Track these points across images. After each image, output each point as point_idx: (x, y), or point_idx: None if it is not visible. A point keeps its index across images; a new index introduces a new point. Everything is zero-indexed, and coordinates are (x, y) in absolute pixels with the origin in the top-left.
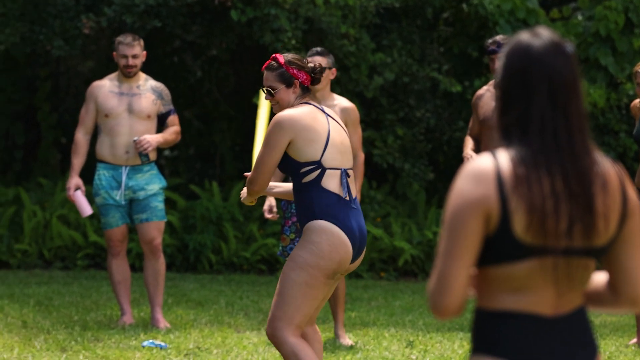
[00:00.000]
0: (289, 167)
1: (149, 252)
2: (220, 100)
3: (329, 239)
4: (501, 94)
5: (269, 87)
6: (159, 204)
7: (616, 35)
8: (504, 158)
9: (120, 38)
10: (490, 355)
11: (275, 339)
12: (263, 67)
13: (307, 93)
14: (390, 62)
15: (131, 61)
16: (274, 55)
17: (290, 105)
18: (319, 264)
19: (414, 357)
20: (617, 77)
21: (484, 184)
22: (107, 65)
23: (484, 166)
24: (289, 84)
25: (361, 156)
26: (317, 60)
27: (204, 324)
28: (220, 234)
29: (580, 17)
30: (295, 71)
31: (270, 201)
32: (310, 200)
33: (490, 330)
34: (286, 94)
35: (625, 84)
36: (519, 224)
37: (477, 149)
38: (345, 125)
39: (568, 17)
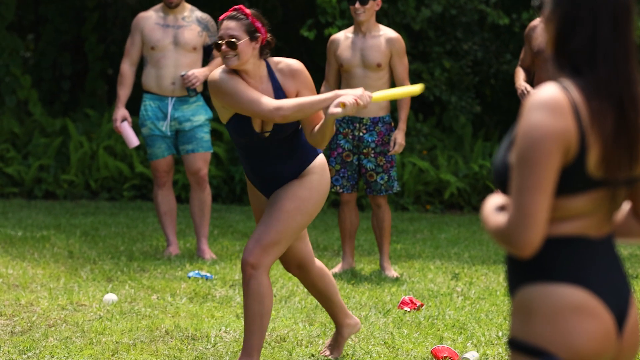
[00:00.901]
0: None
1: (195, 183)
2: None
3: (328, 175)
4: (562, 19)
5: (232, 36)
6: (205, 135)
7: None
8: (574, 89)
9: None
10: (551, 281)
11: (253, 272)
12: (223, 16)
13: (265, 52)
14: None
15: None
16: (238, 6)
17: (248, 60)
18: (322, 205)
19: (459, 289)
20: None
21: (564, 117)
22: None
23: (559, 98)
24: (252, 37)
25: None
26: None
27: None
28: None
29: None
30: (259, 25)
31: None
32: (303, 143)
33: (548, 257)
34: (248, 47)
35: None
36: (593, 158)
37: (529, 81)
38: (391, 56)
39: None
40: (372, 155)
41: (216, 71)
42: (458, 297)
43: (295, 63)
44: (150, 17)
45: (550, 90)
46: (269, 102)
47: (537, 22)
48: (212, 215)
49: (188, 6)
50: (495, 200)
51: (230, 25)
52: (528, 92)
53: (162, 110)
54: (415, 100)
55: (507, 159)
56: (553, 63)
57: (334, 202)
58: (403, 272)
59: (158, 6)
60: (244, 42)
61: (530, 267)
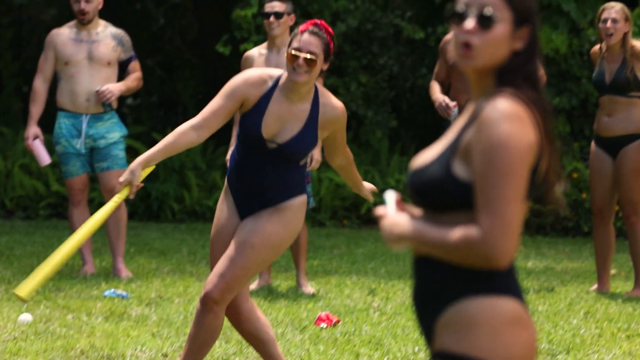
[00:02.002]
0: (308, 150)
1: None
2: (182, 48)
3: (303, 216)
4: (534, 37)
5: (312, 53)
6: (120, 152)
7: None
8: (525, 102)
9: None
10: (493, 294)
11: (215, 306)
12: (304, 28)
13: (322, 74)
14: (353, 8)
15: (83, 5)
16: (321, 21)
17: (313, 79)
18: (289, 244)
19: (375, 304)
20: (579, 23)
21: (529, 127)
22: (70, 13)
23: (521, 110)
24: (326, 57)
25: None
26: (276, 6)
27: (165, 273)
28: (182, 182)
29: None
30: (332, 46)
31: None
32: (301, 176)
33: (505, 271)
34: (319, 67)
35: (587, 29)
36: (542, 167)
37: (444, 94)
38: None
39: None
40: None
41: (257, 58)
42: (374, 312)
43: (341, 106)
44: (63, 33)
45: (510, 103)
46: (197, 120)
47: (451, 35)
48: (129, 233)
49: (102, 22)
50: (404, 215)
51: (312, 41)
52: (447, 104)
53: (76, 127)
54: None
55: (452, 172)
56: (494, 77)
57: None
58: (320, 288)
59: (71, 22)
60: (319, 60)
61: (470, 280)
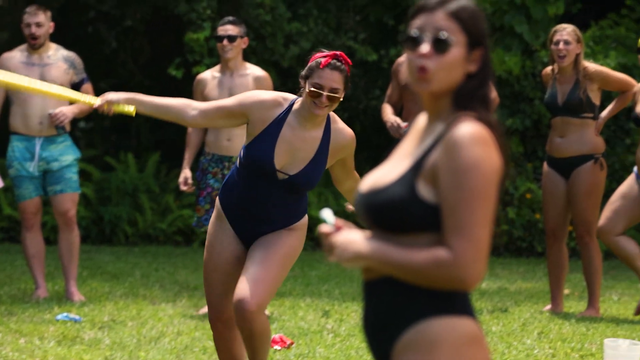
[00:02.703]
0: (318, 180)
1: (63, 224)
2: (135, 71)
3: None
4: (487, 60)
5: (335, 90)
6: (73, 175)
7: (531, 3)
8: (487, 125)
9: (26, 8)
10: (454, 314)
11: (256, 315)
12: (326, 62)
13: None
14: (306, 31)
15: (34, 29)
16: (340, 53)
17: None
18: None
19: (329, 326)
20: (532, 45)
21: (495, 150)
22: (21, 37)
23: (486, 133)
24: (345, 89)
25: None
26: (229, 30)
27: (119, 297)
28: (135, 205)
29: None
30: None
31: (186, 173)
32: (304, 200)
33: (464, 292)
34: (339, 101)
35: (540, 51)
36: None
37: (396, 116)
38: None
39: None
40: None
41: (210, 80)
42: (328, 334)
43: (351, 133)
44: (14, 57)
45: (476, 126)
46: (200, 104)
47: (404, 57)
48: (81, 257)
49: (53, 45)
50: (358, 234)
51: (334, 77)
52: (398, 124)
53: (29, 150)
54: None
55: (416, 194)
56: (450, 100)
57: (203, 241)
58: (273, 311)
59: (22, 46)
60: (341, 94)
61: (431, 301)
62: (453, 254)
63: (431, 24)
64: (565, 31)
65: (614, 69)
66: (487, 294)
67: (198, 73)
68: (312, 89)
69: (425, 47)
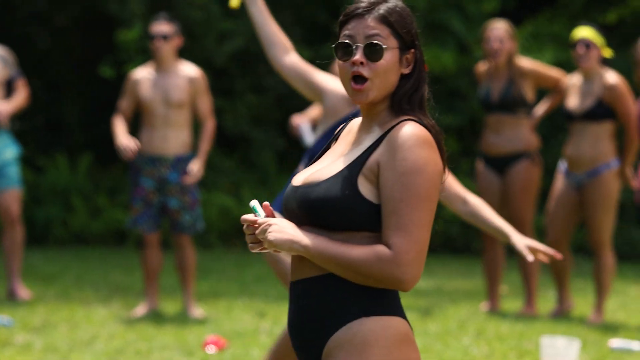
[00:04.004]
0: None
1: (6, 221)
2: (67, 70)
3: None
4: (421, 60)
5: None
6: (14, 171)
7: (466, 0)
8: (428, 128)
9: None
10: (385, 314)
11: None
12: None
13: None
14: (240, 29)
15: None
16: None
17: None
18: None
19: (265, 327)
20: (467, 42)
21: (437, 152)
22: None
23: (428, 135)
24: None
25: (210, 123)
26: (163, 28)
27: (51, 299)
28: (68, 206)
29: None
30: None
31: (124, 138)
32: None
33: (380, 290)
34: None
35: (475, 48)
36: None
37: None
38: (194, 93)
39: None
40: (177, 193)
41: (142, 79)
42: (264, 335)
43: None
44: None
45: (420, 129)
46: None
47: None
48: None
49: None
50: (291, 224)
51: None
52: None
53: None
54: (219, 136)
55: (358, 191)
56: (388, 103)
57: (137, 242)
58: (208, 312)
59: None
60: None
61: (363, 301)
62: (393, 252)
63: (362, 30)
64: (499, 28)
65: (550, 64)
66: (424, 293)
67: (129, 72)
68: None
69: (357, 56)
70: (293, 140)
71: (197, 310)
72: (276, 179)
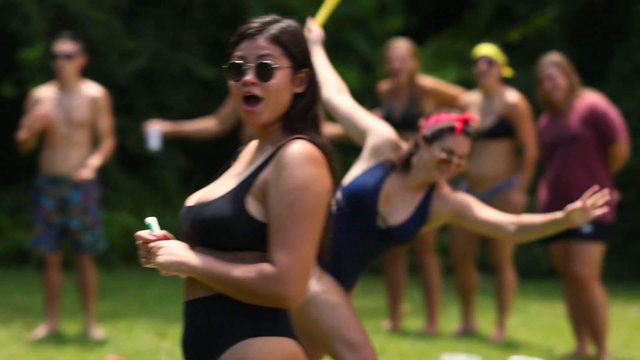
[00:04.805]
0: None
1: None
2: None
3: None
4: (314, 78)
5: (464, 156)
6: None
7: (370, 19)
8: (318, 146)
9: None
10: (272, 335)
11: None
12: (461, 127)
13: None
14: (143, 47)
15: None
16: (470, 117)
17: None
18: None
19: (165, 347)
20: (371, 60)
21: (326, 170)
22: None
23: (317, 153)
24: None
25: (109, 142)
26: (66, 47)
27: None
28: None
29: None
30: None
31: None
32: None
33: (267, 310)
34: None
35: (379, 66)
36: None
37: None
38: (96, 112)
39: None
40: (78, 214)
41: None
42: (164, 355)
43: (459, 199)
44: None
45: (308, 146)
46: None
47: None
48: None
49: None
50: (180, 244)
51: (466, 145)
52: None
53: None
54: (121, 155)
55: (246, 211)
56: (283, 122)
57: (38, 262)
58: (109, 332)
59: None
60: (466, 163)
61: (251, 321)
62: (277, 269)
63: (253, 51)
64: (400, 47)
65: (453, 82)
66: None
67: (31, 91)
68: (444, 155)
69: (249, 76)
70: (197, 159)
71: (98, 331)
72: (178, 198)
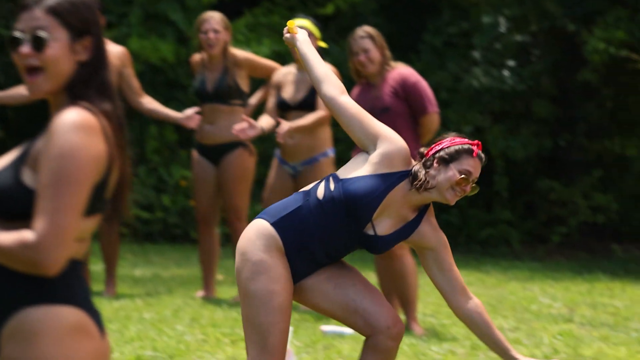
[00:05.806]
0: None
1: None
2: None
3: None
4: (100, 46)
5: (476, 180)
6: None
7: None
8: (96, 113)
9: None
10: (55, 303)
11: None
12: (478, 150)
13: None
14: None
15: None
16: (478, 143)
17: None
18: None
19: None
20: (186, 33)
21: (98, 138)
22: None
23: (91, 120)
24: None
25: None
26: None
27: None
28: None
29: None
30: None
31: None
32: None
33: (50, 278)
34: None
35: (195, 39)
36: (112, 179)
37: None
38: None
39: None
40: None
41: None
42: None
43: (441, 235)
44: None
45: (79, 113)
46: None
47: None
48: None
49: None
50: None
51: (479, 168)
52: None
53: None
54: None
55: (20, 181)
56: (66, 91)
57: None
58: None
59: None
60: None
61: (31, 289)
62: (35, 237)
63: (29, 23)
64: (214, 20)
65: (268, 56)
66: (141, 281)
67: None
68: (462, 175)
69: (25, 48)
70: (12, 130)
71: None
72: None
